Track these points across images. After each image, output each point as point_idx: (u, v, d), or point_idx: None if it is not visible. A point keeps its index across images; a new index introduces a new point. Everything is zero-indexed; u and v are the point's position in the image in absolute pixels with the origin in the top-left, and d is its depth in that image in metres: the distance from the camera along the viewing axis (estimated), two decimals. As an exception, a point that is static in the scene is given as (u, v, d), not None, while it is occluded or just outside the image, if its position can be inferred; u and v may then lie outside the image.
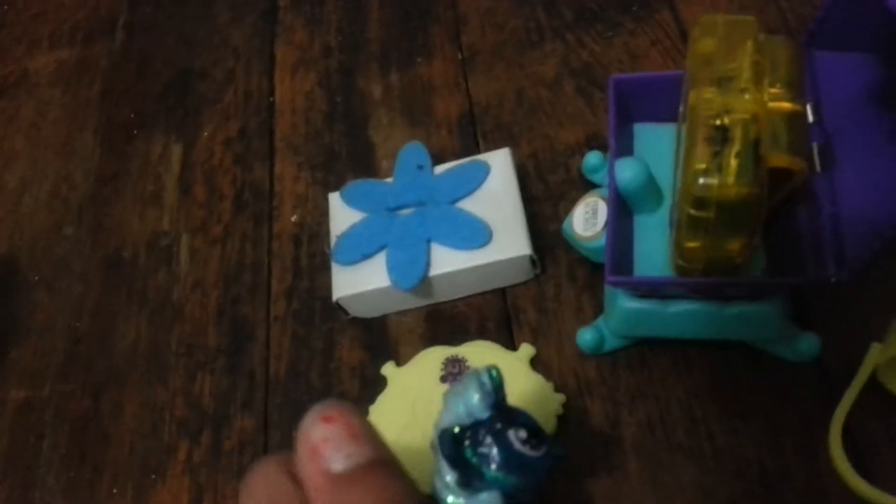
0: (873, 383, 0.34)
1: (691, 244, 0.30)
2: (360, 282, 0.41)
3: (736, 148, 0.28)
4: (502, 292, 0.42)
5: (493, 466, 0.25)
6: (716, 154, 0.28)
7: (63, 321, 0.48)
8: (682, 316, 0.34)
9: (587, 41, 0.49)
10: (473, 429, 0.26)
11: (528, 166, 0.45)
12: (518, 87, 0.49)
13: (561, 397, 0.37)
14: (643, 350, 0.38)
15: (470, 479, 0.25)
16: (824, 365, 0.36)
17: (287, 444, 0.33)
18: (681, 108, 0.36)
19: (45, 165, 0.56)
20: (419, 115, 0.50)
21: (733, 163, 0.27)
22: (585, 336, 0.38)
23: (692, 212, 0.28)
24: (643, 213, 0.36)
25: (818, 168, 0.32)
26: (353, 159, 0.49)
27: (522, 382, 0.38)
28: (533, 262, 0.40)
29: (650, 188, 0.35)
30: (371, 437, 0.22)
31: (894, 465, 0.33)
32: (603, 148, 0.43)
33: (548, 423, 0.36)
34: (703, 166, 0.28)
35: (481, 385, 0.26)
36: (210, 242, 0.49)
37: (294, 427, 0.22)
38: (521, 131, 0.47)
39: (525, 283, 0.42)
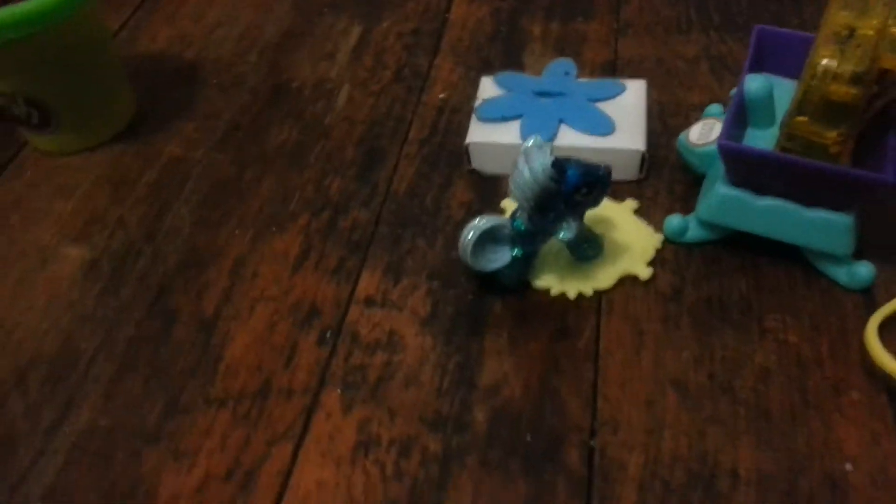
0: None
1: (800, 118, 0.36)
2: (492, 134, 0.48)
3: (859, 45, 0.35)
4: (606, 185, 0.48)
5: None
6: (841, 48, 0.35)
7: (228, 115, 0.56)
8: (767, 211, 0.40)
9: (728, 40, 0.58)
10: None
11: (654, 109, 0.53)
12: (660, 57, 0.57)
13: (660, 236, 0.44)
14: (718, 250, 0.44)
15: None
16: (872, 295, 0.41)
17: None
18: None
19: (241, 14, 0.66)
20: (568, 54, 0.58)
21: (856, 52, 0.34)
22: (673, 221, 0.44)
23: (812, 83, 0.35)
24: (756, 128, 0.43)
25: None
26: (504, 70, 0.57)
27: (630, 224, 0.45)
28: (643, 161, 0.47)
29: (769, 102, 0.42)
30: None
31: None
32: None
33: (648, 253, 0.44)
34: (828, 53, 0.35)
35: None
36: (367, 94, 0.57)
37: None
38: (655, 85, 0.54)
39: (627, 182, 0.48)
